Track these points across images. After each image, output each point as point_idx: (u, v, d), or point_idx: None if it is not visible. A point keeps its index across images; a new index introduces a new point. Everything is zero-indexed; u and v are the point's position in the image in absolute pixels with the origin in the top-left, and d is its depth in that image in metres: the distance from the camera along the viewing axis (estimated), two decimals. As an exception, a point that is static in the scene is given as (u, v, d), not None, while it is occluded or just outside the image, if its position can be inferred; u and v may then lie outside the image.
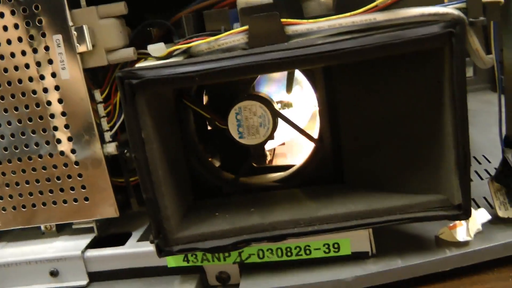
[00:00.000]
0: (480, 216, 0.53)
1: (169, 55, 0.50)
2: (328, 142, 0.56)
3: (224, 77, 0.46)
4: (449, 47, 0.44)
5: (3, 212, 0.57)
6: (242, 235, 0.49)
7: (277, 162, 0.75)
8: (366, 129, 0.53)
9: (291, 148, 0.77)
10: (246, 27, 0.47)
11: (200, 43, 0.48)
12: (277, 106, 0.60)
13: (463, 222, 0.51)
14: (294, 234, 0.49)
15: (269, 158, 0.73)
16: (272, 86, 0.68)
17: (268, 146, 0.69)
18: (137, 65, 0.49)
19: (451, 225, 0.52)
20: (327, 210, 0.50)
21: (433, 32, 0.44)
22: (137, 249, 0.54)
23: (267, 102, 0.56)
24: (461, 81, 0.45)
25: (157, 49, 0.49)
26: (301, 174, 0.58)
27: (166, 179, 0.49)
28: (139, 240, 0.56)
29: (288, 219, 0.50)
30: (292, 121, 0.58)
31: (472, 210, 0.53)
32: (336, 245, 0.51)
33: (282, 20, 0.46)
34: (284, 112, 0.62)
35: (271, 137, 0.56)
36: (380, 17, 0.45)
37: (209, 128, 0.62)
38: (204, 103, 0.61)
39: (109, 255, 0.55)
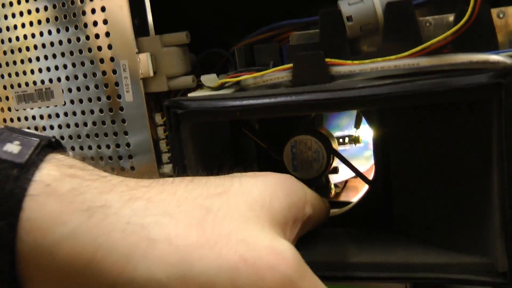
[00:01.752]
0: (534, 284, 0.48)
1: (221, 86, 0.51)
2: (380, 185, 0.55)
3: (263, 114, 0.46)
4: (497, 100, 0.41)
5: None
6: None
7: (348, 195, 0.74)
8: (416, 176, 0.51)
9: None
10: (290, 65, 0.47)
11: (246, 78, 0.49)
12: (335, 143, 0.59)
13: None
14: (324, 277, 0.48)
15: (337, 190, 0.72)
16: (344, 119, 0.67)
17: (339, 178, 0.69)
18: (190, 94, 0.52)
19: (497, 290, 0.48)
20: (363, 257, 0.48)
21: (479, 82, 0.40)
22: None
23: (323, 138, 0.55)
24: (510, 137, 0.41)
25: (209, 79, 0.51)
26: (351, 215, 0.57)
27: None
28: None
29: (322, 261, 0.49)
30: (346, 160, 0.57)
31: (524, 277, 0.49)
32: (370, 294, 0.50)
33: (326, 59, 0.46)
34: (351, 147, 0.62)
35: (325, 173, 0.56)
36: (424, 62, 0.43)
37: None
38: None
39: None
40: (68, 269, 0.30)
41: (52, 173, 0.32)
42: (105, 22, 0.55)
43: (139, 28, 0.55)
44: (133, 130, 0.57)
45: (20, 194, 0.30)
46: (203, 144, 0.51)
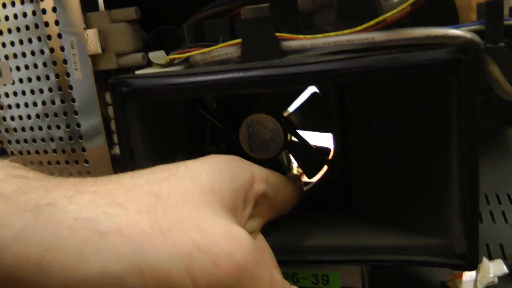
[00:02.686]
0: (495, 267, 0.47)
1: (170, 63, 0.49)
2: (339, 165, 0.52)
3: (211, 92, 0.45)
4: (457, 77, 0.39)
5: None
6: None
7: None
8: (374, 155, 0.49)
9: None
10: (239, 40, 0.45)
11: (194, 54, 0.46)
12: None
13: (472, 272, 0.46)
14: (278, 262, 0.46)
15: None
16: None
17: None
18: (138, 72, 0.49)
19: (456, 273, 0.46)
20: (318, 240, 0.47)
21: (437, 58, 0.38)
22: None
23: (280, 116, 0.53)
24: (470, 116, 0.39)
25: (157, 56, 0.49)
26: (310, 197, 0.55)
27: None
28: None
29: (276, 245, 0.47)
30: (304, 139, 0.54)
31: (485, 260, 0.47)
32: (325, 277, 0.48)
33: (277, 34, 0.44)
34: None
35: (281, 152, 0.54)
36: (378, 36, 0.41)
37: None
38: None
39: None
40: (18, 274, 0.29)
41: None
42: (51, -4, 0.52)
43: (87, 2, 0.52)
44: (83, 110, 0.54)
45: None
46: (152, 124, 0.48)
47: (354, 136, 0.50)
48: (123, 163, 0.47)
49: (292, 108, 0.57)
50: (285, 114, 0.55)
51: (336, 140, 0.53)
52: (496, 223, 0.56)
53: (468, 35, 0.39)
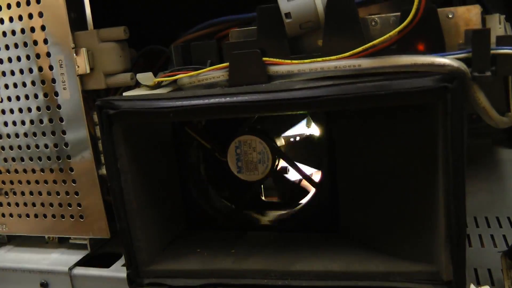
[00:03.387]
0: (482, 293, 0.46)
1: (158, 85, 0.49)
2: (327, 188, 0.52)
3: (197, 116, 0.44)
4: (443, 104, 0.38)
5: (10, 218, 0.60)
6: (211, 278, 0.47)
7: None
8: (362, 180, 0.49)
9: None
10: (227, 64, 0.45)
11: (182, 77, 0.46)
12: (281, 143, 0.57)
13: (459, 297, 0.45)
14: (262, 286, 0.46)
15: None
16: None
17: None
18: (125, 93, 0.49)
19: (444, 298, 0.46)
20: (304, 265, 0.46)
21: (424, 86, 0.38)
22: (118, 274, 0.54)
23: (268, 138, 0.53)
24: (456, 144, 0.38)
25: (145, 78, 0.49)
26: (298, 218, 0.55)
27: (143, 210, 0.49)
28: (123, 265, 0.56)
29: (260, 269, 0.47)
30: (293, 161, 0.54)
31: (473, 286, 0.47)
32: (311, 302, 0.48)
33: (264, 59, 0.44)
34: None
35: (270, 174, 0.54)
36: (365, 63, 0.41)
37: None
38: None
39: (93, 276, 0.55)
40: None
41: None
42: (40, 15, 0.52)
43: (76, 22, 0.52)
44: (71, 129, 0.54)
45: None
46: (139, 145, 0.48)
47: (342, 162, 0.50)
48: (110, 185, 0.47)
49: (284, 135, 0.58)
50: (277, 141, 0.55)
51: (323, 162, 0.52)
52: (485, 247, 0.56)
53: (455, 63, 0.39)
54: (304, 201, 0.56)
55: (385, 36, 0.41)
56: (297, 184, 0.59)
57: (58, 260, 0.58)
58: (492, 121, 0.44)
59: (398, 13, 0.43)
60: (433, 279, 0.43)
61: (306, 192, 0.59)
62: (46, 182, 0.57)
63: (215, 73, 0.45)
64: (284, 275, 0.46)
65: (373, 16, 0.44)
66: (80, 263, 0.57)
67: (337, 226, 0.52)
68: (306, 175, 0.54)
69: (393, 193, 0.46)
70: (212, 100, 0.42)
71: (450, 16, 0.43)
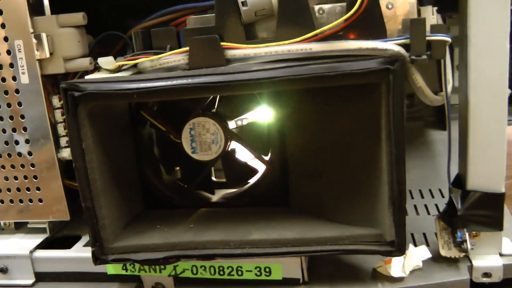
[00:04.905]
0: (420, 253, 0.52)
1: (119, 69, 0.51)
2: (277, 165, 0.56)
3: (160, 97, 0.47)
4: (386, 84, 0.44)
5: (-34, 205, 0.60)
6: (174, 250, 0.50)
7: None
8: (310, 155, 0.53)
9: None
10: (187, 48, 0.48)
11: (143, 61, 0.49)
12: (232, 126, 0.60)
13: (400, 257, 0.51)
14: (222, 255, 0.49)
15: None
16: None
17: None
18: (87, 77, 0.51)
19: (386, 259, 0.51)
20: (260, 234, 0.50)
21: (369, 68, 0.43)
22: (81, 254, 0.56)
23: (221, 120, 0.56)
24: (397, 118, 0.44)
25: (106, 62, 0.51)
26: (250, 194, 0.58)
27: (106, 189, 0.51)
28: (85, 245, 0.57)
29: (220, 239, 0.50)
30: (244, 141, 0.58)
31: (411, 246, 0.53)
32: (267, 269, 0.52)
33: (222, 43, 0.47)
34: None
35: (223, 154, 0.57)
36: (316, 47, 0.45)
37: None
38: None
39: (55, 257, 0.57)
40: None
41: None
42: (-3, 0, 0.53)
43: (34, 7, 0.53)
44: (30, 114, 0.55)
45: None
46: (101, 127, 0.50)
47: (291, 137, 0.54)
48: (75, 165, 0.48)
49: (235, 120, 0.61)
50: (229, 124, 0.59)
51: (273, 140, 0.56)
52: (419, 215, 0.62)
53: (396, 48, 0.44)
54: (253, 180, 0.60)
55: (333, 23, 0.45)
56: (245, 164, 0.62)
57: (17, 244, 0.59)
58: (427, 99, 0.50)
59: (344, 3, 0.47)
60: (378, 241, 0.48)
61: (254, 172, 0.62)
62: (3, 167, 0.58)
63: (176, 57, 0.48)
64: (242, 244, 0.50)
65: (321, 5, 0.48)
66: (40, 246, 0.58)
67: (287, 200, 0.56)
68: (257, 153, 0.58)
69: (341, 166, 0.51)
70: (175, 82, 0.45)
71: (390, 6, 0.48)
